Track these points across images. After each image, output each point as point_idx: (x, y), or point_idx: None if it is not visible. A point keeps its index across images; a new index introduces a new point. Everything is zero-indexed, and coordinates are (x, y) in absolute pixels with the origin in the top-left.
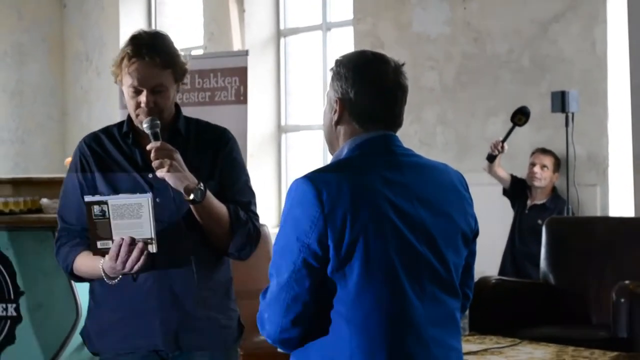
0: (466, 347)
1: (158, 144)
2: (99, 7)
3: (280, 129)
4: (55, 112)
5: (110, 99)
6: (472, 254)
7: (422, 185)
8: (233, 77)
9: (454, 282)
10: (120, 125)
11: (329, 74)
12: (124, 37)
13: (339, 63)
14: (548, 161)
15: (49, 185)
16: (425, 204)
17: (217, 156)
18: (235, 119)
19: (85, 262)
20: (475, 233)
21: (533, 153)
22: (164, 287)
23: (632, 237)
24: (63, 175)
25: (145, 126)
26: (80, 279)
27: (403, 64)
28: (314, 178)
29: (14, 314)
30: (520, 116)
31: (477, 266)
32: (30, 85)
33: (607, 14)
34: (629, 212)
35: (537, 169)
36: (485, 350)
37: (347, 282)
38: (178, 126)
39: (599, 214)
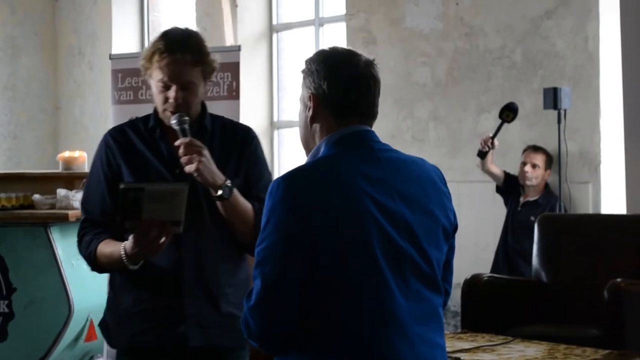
0: (458, 344)
1: (187, 139)
2: (92, 1)
3: (273, 125)
4: (47, 106)
5: (102, 93)
6: (451, 249)
7: (402, 180)
8: (225, 73)
9: (437, 278)
10: (145, 119)
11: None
12: (117, 31)
13: (309, 61)
14: (539, 159)
15: (41, 181)
16: (405, 200)
17: (243, 154)
18: (228, 115)
19: (106, 248)
20: (455, 227)
21: (524, 151)
22: (188, 280)
23: (624, 234)
24: (55, 171)
25: (173, 122)
26: (100, 269)
27: (374, 60)
28: (295, 177)
29: (6, 310)
30: (508, 112)
31: (469, 264)
32: (22, 79)
33: (600, 10)
34: (621, 209)
35: (528, 168)
36: (478, 347)
37: (331, 281)
38: (204, 123)
39: (591, 211)
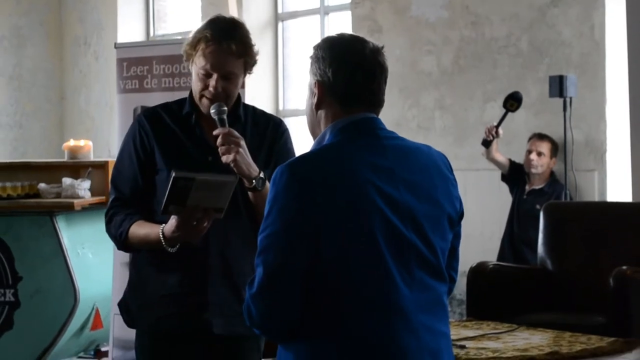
0: (463, 332)
1: (226, 130)
2: None
3: (279, 114)
4: (53, 96)
5: (108, 83)
6: (457, 236)
7: (407, 169)
8: None
9: (441, 266)
10: (179, 103)
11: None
12: (122, 20)
13: (317, 47)
14: (545, 147)
15: (47, 170)
16: (411, 188)
17: (274, 146)
18: None
19: (142, 229)
20: (461, 215)
21: (530, 139)
22: (214, 269)
23: (630, 222)
24: (61, 160)
25: (212, 111)
26: (129, 249)
27: (382, 47)
28: (299, 165)
29: (12, 299)
30: (512, 102)
31: (475, 252)
32: (28, 69)
33: None
34: (626, 197)
35: (533, 156)
36: (483, 335)
37: (334, 271)
38: (239, 113)
39: (596, 199)
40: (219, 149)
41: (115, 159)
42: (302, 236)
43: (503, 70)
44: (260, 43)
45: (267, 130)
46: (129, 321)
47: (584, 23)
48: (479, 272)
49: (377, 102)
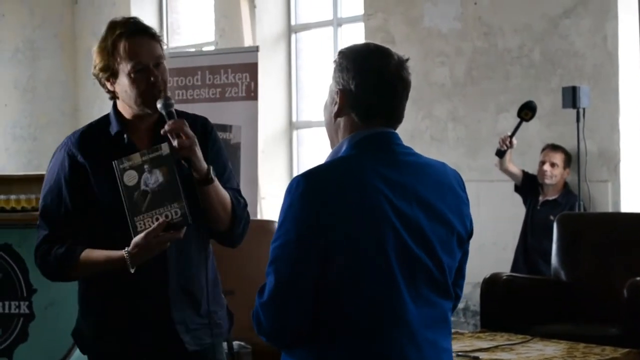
0: (477, 343)
1: (178, 121)
2: (111, 3)
3: (292, 125)
4: (67, 108)
5: None
6: (465, 254)
7: (421, 185)
8: (244, 73)
9: (448, 284)
10: (103, 123)
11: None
12: None
13: (342, 55)
14: (558, 158)
15: None
16: (423, 205)
17: (207, 144)
18: (246, 115)
19: (96, 252)
20: (470, 233)
21: (543, 149)
22: (172, 285)
23: None
24: None
25: (159, 106)
26: (71, 278)
27: (407, 59)
28: (315, 176)
29: (27, 311)
30: (527, 111)
31: (489, 263)
32: (42, 82)
33: (618, 8)
34: None
35: (547, 167)
36: (496, 347)
37: (344, 283)
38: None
39: (610, 210)
40: (175, 141)
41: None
42: (315, 247)
43: (516, 81)
44: (274, 55)
45: (196, 128)
46: (86, 349)
47: (596, 34)
48: (492, 283)
49: (396, 118)
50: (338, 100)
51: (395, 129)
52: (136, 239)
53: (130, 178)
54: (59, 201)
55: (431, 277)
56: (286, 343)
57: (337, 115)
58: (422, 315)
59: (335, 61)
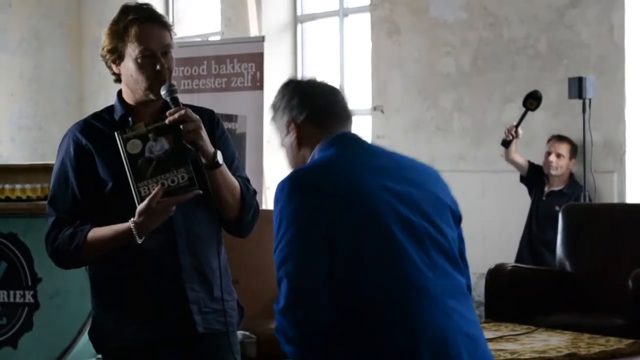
0: None
1: (182, 109)
2: None
3: None
4: (72, 98)
5: None
6: (461, 240)
7: (403, 168)
8: (249, 63)
9: (455, 253)
10: (109, 110)
11: (341, 63)
12: None
13: (272, 106)
14: (564, 149)
15: None
16: (409, 182)
17: (214, 135)
18: (252, 105)
19: (102, 230)
20: (460, 217)
21: (549, 140)
22: (185, 266)
23: None
24: None
25: (163, 92)
26: (82, 262)
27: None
28: (297, 174)
29: (32, 300)
30: (532, 100)
31: (494, 253)
32: (47, 71)
33: None
34: None
35: (552, 157)
36: (501, 337)
37: (355, 266)
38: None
39: (615, 200)
40: (181, 126)
41: None
42: (317, 240)
43: (521, 71)
44: (280, 45)
45: (203, 120)
46: (103, 344)
47: (602, 24)
48: (497, 273)
49: (348, 117)
50: (294, 129)
51: (350, 129)
52: (140, 206)
53: (133, 146)
54: (66, 186)
55: (438, 243)
56: (315, 341)
57: (300, 144)
58: (441, 283)
59: (271, 116)
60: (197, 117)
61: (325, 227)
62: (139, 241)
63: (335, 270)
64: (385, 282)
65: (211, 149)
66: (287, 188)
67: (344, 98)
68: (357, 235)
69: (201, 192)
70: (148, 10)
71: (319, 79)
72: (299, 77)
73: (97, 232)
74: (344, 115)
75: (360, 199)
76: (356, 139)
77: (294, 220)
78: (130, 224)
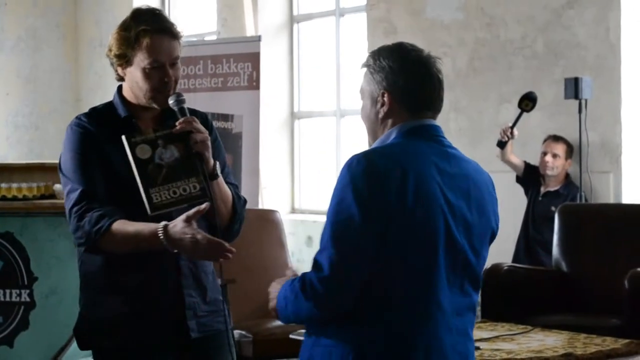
0: (478, 334)
1: (189, 118)
2: None
3: (293, 116)
4: (69, 98)
5: None
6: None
7: (465, 179)
8: (246, 63)
9: (480, 275)
10: (109, 108)
11: (337, 63)
12: None
13: (378, 57)
14: (560, 149)
15: None
16: (466, 197)
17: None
18: (248, 105)
19: (132, 225)
20: (495, 235)
21: (545, 140)
22: (185, 271)
23: None
24: None
25: (171, 102)
26: (98, 250)
27: (438, 58)
28: (374, 155)
29: (28, 299)
30: (527, 102)
31: (490, 254)
32: (44, 71)
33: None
34: None
35: (548, 157)
36: (497, 337)
37: (395, 259)
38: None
39: (612, 200)
40: (190, 136)
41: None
42: (375, 220)
43: (518, 72)
44: (276, 45)
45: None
46: (95, 342)
47: (599, 25)
48: (493, 273)
49: (439, 109)
50: (387, 100)
51: (435, 120)
52: (182, 237)
53: (143, 151)
54: (85, 160)
55: (469, 266)
56: (337, 311)
57: (387, 116)
58: (455, 302)
59: (369, 65)
60: (204, 128)
61: (385, 213)
62: (173, 250)
63: (381, 251)
64: (411, 285)
65: (212, 160)
66: (362, 164)
67: (442, 89)
68: (408, 231)
69: (209, 204)
70: (160, 20)
71: (432, 60)
72: (414, 49)
73: (124, 225)
74: (438, 108)
75: (422, 198)
76: (435, 135)
77: (359, 198)
78: (158, 230)
